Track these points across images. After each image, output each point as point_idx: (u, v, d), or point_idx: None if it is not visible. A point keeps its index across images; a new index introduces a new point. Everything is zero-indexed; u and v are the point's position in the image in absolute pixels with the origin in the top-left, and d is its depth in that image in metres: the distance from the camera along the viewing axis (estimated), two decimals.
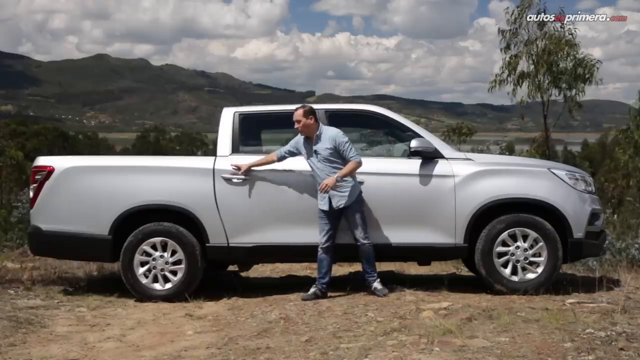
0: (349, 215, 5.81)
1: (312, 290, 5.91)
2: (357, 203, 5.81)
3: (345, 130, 6.11)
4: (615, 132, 20.00)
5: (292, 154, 6.00)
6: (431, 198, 5.99)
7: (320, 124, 5.92)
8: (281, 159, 6.03)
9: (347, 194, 5.76)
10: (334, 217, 5.83)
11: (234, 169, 6.04)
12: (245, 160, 6.15)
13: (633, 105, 18.15)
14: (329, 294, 5.94)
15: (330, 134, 5.80)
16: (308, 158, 5.90)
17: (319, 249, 5.86)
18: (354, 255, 5.96)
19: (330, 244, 5.86)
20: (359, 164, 5.76)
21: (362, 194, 5.87)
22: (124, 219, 6.12)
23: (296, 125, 5.83)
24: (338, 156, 5.78)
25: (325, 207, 5.80)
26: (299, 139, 5.98)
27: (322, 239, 5.85)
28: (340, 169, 5.74)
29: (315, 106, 6.54)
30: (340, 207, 5.77)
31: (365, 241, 5.81)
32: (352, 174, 5.79)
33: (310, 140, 5.87)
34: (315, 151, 5.82)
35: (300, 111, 5.84)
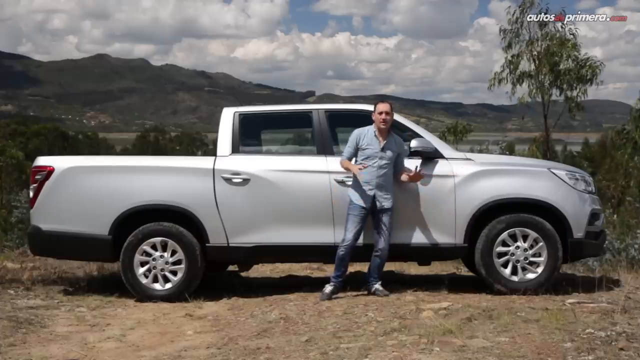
0: (382, 217, 5.82)
1: (329, 289, 5.88)
2: (393, 208, 5.86)
3: (345, 130, 6.12)
4: (611, 132, 20.04)
5: (354, 154, 5.89)
6: (431, 198, 5.99)
7: None
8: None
9: (388, 196, 5.83)
10: (366, 218, 5.83)
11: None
12: (246, 160, 6.16)
13: (633, 105, 18.14)
14: None
15: (400, 141, 5.95)
16: (368, 152, 5.81)
17: (343, 247, 5.80)
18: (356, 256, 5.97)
19: (354, 244, 5.82)
20: None
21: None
22: (124, 219, 6.13)
23: (384, 117, 5.82)
24: (394, 161, 5.89)
25: (368, 205, 5.78)
26: (359, 135, 5.85)
27: (348, 238, 5.78)
28: (388, 173, 5.84)
29: (315, 106, 6.54)
30: (382, 208, 5.80)
31: (387, 247, 5.84)
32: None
33: (382, 137, 5.86)
34: (383, 149, 5.84)
35: (388, 105, 5.94)
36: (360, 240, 5.90)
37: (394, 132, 5.98)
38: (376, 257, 5.89)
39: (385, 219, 5.83)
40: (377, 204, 5.80)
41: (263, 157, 6.40)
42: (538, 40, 16.84)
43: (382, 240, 5.83)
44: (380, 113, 5.84)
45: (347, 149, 5.90)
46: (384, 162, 5.83)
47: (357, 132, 5.92)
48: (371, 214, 5.85)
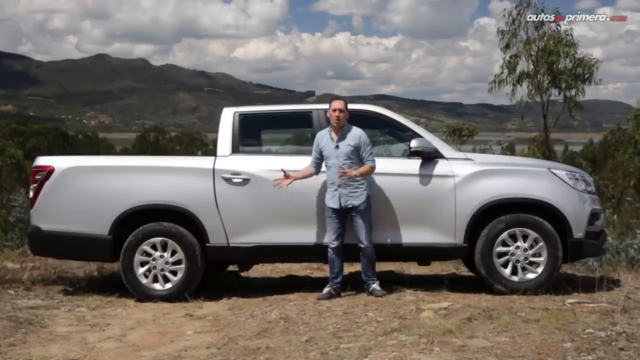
0: (355, 216, 5.81)
1: (326, 289, 5.91)
2: (366, 205, 5.82)
3: None
4: (609, 132, 19.98)
5: (319, 157, 5.94)
6: (431, 198, 5.99)
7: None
8: (317, 168, 5.98)
9: (356, 194, 5.79)
10: (342, 216, 5.84)
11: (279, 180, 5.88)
12: (246, 160, 6.16)
13: (632, 105, 18.13)
14: None
15: (356, 132, 5.88)
16: (326, 152, 5.87)
17: (329, 249, 5.86)
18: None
19: (340, 244, 5.86)
20: (373, 168, 5.86)
21: (371, 197, 5.88)
22: (124, 219, 6.13)
23: (337, 114, 5.81)
24: (357, 156, 5.83)
25: (335, 205, 5.79)
26: (318, 138, 5.95)
27: (331, 238, 5.84)
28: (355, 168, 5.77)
29: (315, 106, 6.55)
30: (349, 206, 5.78)
31: (369, 244, 5.83)
32: (366, 176, 5.84)
33: (335, 134, 5.88)
34: (337, 146, 5.83)
35: (342, 102, 5.91)
36: (354, 241, 5.89)
37: (354, 126, 5.92)
38: (361, 256, 5.90)
39: (358, 217, 5.80)
40: (343, 202, 5.79)
41: (263, 157, 6.40)
42: (536, 41, 16.81)
43: (362, 239, 5.81)
44: (334, 110, 5.85)
45: (312, 158, 5.96)
46: (341, 159, 5.80)
47: (317, 135, 5.99)
48: (347, 213, 5.84)
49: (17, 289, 6.61)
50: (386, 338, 4.36)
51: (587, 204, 6.12)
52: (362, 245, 5.83)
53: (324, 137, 5.94)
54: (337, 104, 5.88)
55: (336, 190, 5.80)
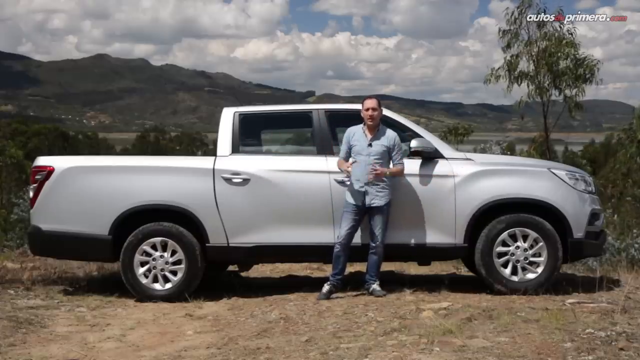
0: (375, 215, 5.81)
1: (326, 287, 5.89)
2: (387, 206, 5.83)
3: (345, 130, 6.11)
4: (619, 131, 19.98)
5: (349, 151, 5.91)
6: (431, 198, 5.99)
7: None
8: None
9: (382, 194, 5.79)
10: (361, 214, 5.82)
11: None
12: (246, 160, 6.17)
13: (634, 105, 18.14)
14: None
15: (391, 134, 5.90)
16: (357, 149, 5.83)
17: (337, 245, 5.82)
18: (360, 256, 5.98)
19: (349, 242, 5.83)
20: (403, 170, 5.90)
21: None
22: (124, 219, 6.12)
23: (370, 113, 5.82)
24: (387, 156, 5.85)
25: (358, 202, 5.77)
26: (349, 133, 5.92)
27: (342, 235, 5.80)
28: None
29: (315, 106, 6.54)
30: (373, 205, 5.77)
31: (382, 244, 5.83)
32: (395, 176, 5.88)
33: (369, 133, 5.87)
34: (371, 145, 5.83)
35: (375, 100, 5.91)
36: (359, 240, 5.91)
37: (387, 128, 5.95)
38: (372, 254, 5.89)
39: (378, 216, 5.81)
40: (368, 201, 5.79)
41: (263, 157, 6.40)
42: (537, 41, 16.80)
43: (377, 238, 5.82)
44: (367, 109, 5.85)
45: (341, 149, 5.98)
46: (372, 157, 5.80)
47: (348, 130, 5.97)
48: (367, 212, 5.85)
49: (17, 289, 6.61)
50: (386, 338, 4.36)
51: (587, 204, 6.11)
52: (375, 244, 5.83)
53: (357, 133, 5.90)
54: (370, 103, 5.87)
55: (362, 187, 5.77)
